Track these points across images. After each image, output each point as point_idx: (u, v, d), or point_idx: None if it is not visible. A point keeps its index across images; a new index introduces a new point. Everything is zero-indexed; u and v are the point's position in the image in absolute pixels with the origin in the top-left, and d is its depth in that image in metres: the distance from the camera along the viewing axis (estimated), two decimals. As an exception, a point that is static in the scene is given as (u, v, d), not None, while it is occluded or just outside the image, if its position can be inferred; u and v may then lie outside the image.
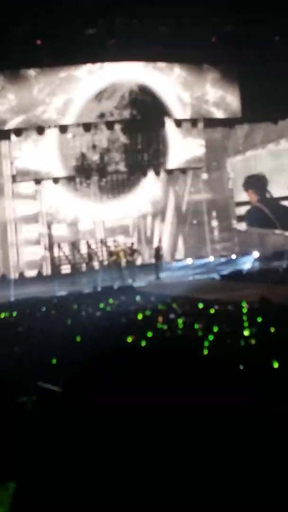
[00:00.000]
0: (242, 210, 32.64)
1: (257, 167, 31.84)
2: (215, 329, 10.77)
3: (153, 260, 28.97)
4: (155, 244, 30.44)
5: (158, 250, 28.46)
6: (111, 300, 18.10)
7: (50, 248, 29.97)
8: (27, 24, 26.99)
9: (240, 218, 32.51)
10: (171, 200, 31.91)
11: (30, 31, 27.11)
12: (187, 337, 10.58)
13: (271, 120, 31.28)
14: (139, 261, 29.15)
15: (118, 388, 0.96)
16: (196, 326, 11.53)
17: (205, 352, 8.69)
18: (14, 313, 16.74)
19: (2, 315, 16.13)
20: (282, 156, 31.09)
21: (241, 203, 32.51)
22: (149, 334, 11.11)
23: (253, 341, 9.36)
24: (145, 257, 30.83)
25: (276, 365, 6.87)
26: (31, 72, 28.48)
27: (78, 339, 11.39)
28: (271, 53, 29.03)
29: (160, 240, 29.96)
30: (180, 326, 11.86)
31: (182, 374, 0.98)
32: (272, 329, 10.48)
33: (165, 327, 11.94)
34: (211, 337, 9.88)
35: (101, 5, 26.36)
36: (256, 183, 31.35)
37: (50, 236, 30.08)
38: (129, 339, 10.66)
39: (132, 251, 28.31)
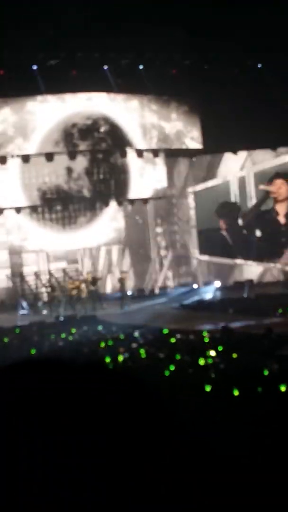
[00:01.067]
0: (203, 240, 32.88)
1: (219, 196, 32.23)
2: (177, 357, 10.88)
3: (116, 290, 29.05)
4: (118, 274, 30.51)
5: (122, 280, 28.52)
6: (73, 330, 18.11)
7: (13, 277, 29.85)
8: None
9: (202, 248, 32.74)
10: (133, 230, 32.04)
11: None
12: (148, 366, 10.66)
13: (232, 150, 31.73)
14: (101, 291, 29.17)
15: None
16: (160, 355, 11.62)
17: (165, 379, 8.78)
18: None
19: None
20: (244, 184, 31.63)
21: (202, 231, 32.75)
22: (110, 364, 11.18)
23: (212, 371, 9.47)
24: (107, 287, 30.88)
25: (236, 392, 6.99)
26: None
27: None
28: (231, 85, 29.56)
29: (123, 271, 30.03)
30: (143, 355, 11.94)
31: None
32: (234, 356, 10.62)
33: (126, 356, 12.01)
34: (172, 367, 9.96)
35: (63, 36, 26.68)
36: (228, 210, 31.75)
37: (12, 266, 29.98)
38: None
39: (94, 280, 28.37)
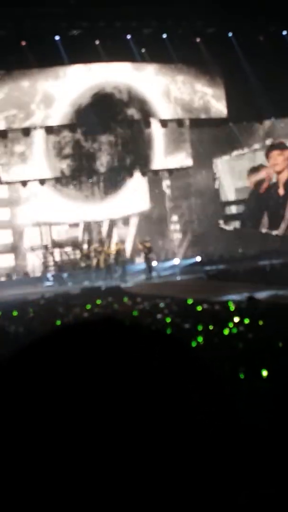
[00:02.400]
0: (228, 210, 32.74)
1: (244, 166, 32.03)
2: (200, 327, 10.80)
3: (142, 261, 28.99)
4: (141, 245, 30.43)
5: (146, 250, 28.37)
6: (98, 301, 18.08)
7: (37, 249, 29.88)
8: (11, 26, 27.03)
9: (226, 218, 32.58)
10: (157, 201, 31.89)
11: (14, 33, 27.16)
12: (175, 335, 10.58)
13: (256, 120, 31.42)
14: (126, 262, 29.07)
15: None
16: (185, 325, 11.55)
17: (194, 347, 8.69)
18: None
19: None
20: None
21: (227, 203, 32.59)
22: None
23: (240, 342, 9.38)
24: (132, 258, 30.76)
25: (265, 372, 6.91)
26: (16, 73, 28.45)
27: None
28: (255, 53, 29.17)
29: (145, 240, 29.81)
30: (168, 325, 11.87)
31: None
32: (261, 323, 10.52)
33: (152, 327, 11.96)
34: (200, 339, 9.89)
35: (85, 6, 26.41)
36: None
37: (36, 238, 30.00)
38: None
39: (119, 251, 28.33)
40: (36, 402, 0.86)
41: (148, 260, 28.02)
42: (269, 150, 31.33)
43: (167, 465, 0.84)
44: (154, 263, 28.44)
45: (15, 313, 16.53)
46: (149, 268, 27.64)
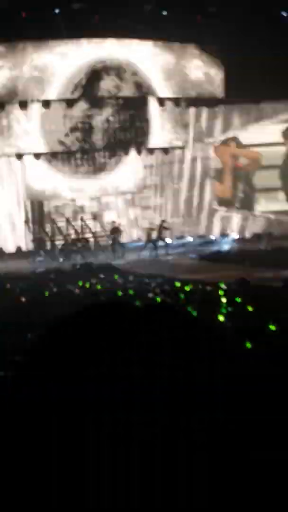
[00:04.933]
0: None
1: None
2: (189, 308, 10.82)
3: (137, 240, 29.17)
4: (136, 223, 30.42)
5: (161, 227, 28.32)
6: (87, 284, 18.06)
7: (30, 223, 29.77)
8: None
9: (220, 200, 32.53)
10: (152, 180, 31.78)
11: (14, 4, 26.98)
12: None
13: (254, 102, 31.32)
14: (120, 239, 29.01)
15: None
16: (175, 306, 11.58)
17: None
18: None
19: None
20: (264, 136, 31.39)
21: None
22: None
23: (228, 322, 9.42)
24: (127, 235, 30.57)
25: (249, 345, 6.94)
26: (15, 44, 28.28)
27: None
28: (256, 34, 28.95)
29: (152, 225, 29.50)
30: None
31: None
32: (250, 309, 10.55)
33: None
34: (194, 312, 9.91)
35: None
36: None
37: (29, 212, 29.90)
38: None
39: (115, 229, 28.36)
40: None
41: (153, 239, 28.06)
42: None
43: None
44: (168, 240, 28.49)
45: (6, 287, 16.57)
46: (154, 246, 27.77)
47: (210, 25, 29.01)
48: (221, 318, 9.95)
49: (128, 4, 28.38)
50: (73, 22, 27.73)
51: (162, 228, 28.23)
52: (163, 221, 28.77)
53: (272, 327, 8.85)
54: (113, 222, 29.23)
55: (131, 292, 14.41)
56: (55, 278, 19.26)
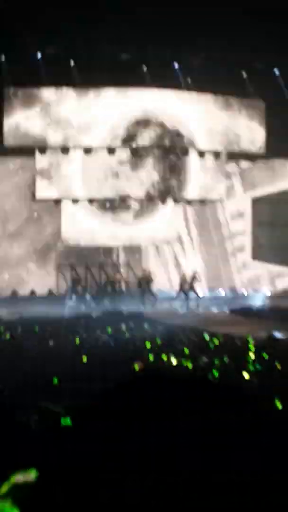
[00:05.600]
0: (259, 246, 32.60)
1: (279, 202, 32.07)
2: (217, 361, 10.74)
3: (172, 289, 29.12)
4: (174, 273, 30.40)
5: (193, 278, 28.19)
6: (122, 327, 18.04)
7: (63, 268, 29.87)
8: (62, 45, 27.54)
9: (255, 254, 32.44)
10: (189, 230, 31.83)
11: (64, 52, 27.64)
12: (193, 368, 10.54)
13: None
14: (153, 288, 28.90)
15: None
16: (203, 359, 11.50)
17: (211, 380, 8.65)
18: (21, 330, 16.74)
19: (7, 335, 16.06)
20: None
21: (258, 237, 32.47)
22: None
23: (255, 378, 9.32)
24: (161, 285, 30.44)
25: (279, 405, 6.85)
26: (62, 90, 28.81)
27: (85, 359, 11.41)
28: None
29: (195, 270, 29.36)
30: (187, 356, 11.82)
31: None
32: (279, 366, 10.44)
33: (172, 356, 11.90)
34: (216, 373, 9.81)
35: (135, 31, 26.71)
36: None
37: (63, 257, 30.04)
38: (136, 367, 10.61)
39: (148, 277, 28.33)
40: None
41: (185, 290, 27.94)
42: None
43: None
44: (199, 292, 28.36)
45: (36, 330, 16.60)
46: (186, 297, 27.64)
47: (255, 80, 29.37)
48: (246, 375, 9.83)
49: (176, 57, 28.90)
50: (120, 71, 28.19)
51: (194, 279, 28.14)
52: (195, 272, 28.71)
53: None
54: (144, 270, 29.24)
55: (158, 341, 14.36)
56: (85, 324, 19.26)
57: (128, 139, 29.76)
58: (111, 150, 29.59)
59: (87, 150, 29.34)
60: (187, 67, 29.44)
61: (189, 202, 31.32)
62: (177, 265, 31.36)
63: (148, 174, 30.20)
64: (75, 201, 29.64)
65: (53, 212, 29.89)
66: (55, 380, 9.17)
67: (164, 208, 30.83)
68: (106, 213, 30.32)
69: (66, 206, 29.73)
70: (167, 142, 30.25)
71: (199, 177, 30.81)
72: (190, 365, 10.98)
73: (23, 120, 28.56)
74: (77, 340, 15.02)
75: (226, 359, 11.20)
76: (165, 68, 28.91)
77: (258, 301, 28.67)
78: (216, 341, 13.84)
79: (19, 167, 29.63)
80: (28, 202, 29.63)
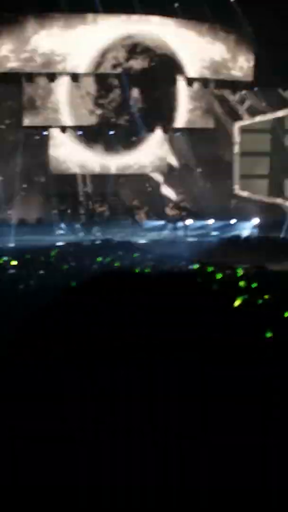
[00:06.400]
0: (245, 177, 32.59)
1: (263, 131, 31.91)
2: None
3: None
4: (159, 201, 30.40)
5: (181, 207, 28.22)
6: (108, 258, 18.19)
7: (52, 196, 29.86)
8: None
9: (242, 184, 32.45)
10: (175, 159, 31.74)
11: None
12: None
13: (283, 86, 31.22)
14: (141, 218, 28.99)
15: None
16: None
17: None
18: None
19: (1, 261, 16.21)
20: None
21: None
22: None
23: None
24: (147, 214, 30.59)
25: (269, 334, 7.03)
26: (46, 18, 28.30)
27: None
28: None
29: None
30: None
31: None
32: (266, 296, 10.60)
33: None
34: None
35: None
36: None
37: (51, 184, 29.99)
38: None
39: (135, 206, 28.40)
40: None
41: (173, 219, 28.04)
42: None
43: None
44: (188, 221, 28.43)
45: (27, 258, 16.74)
46: (174, 226, 27.79)
47: (244, 7, 28.94)
48: (237, 302, 10.00)
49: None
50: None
51: (181, 207, 28.19)
52: (182, 200, 28.65)
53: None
54: (134, 199, 29.26)
55: (148, 270, 14.54)
56: (74, 252, 19.41)
57: (114, 66, 29.38)
58: (98, 77, 29.27)
59: (74, 77, 28.99)
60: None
61: (177, 131, 31.15)
62: (165, 193, 31.37)
63: (136, 103, 29.95)
64: (63, 129, 29.43)
65: (40, 140, 29.72)
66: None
67: (152, 137, 30.66)
68: (95, 142, 30.15)
69: (53, 134, 29.52)
70: (154, 69, 29.89)
71: (187, 105, 30.57)
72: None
73: (7, 49, 28.06)
74: (65, 267, 15.24)
75: (215, 286, 11.38)
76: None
77: (246, 230, 28.82)
78: (206, 270, 14.00)
79: (5, 95, 29.33)
80: (14, 130, 29.41)
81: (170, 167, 31.48)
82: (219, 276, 12.79)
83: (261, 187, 32.15)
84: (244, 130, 32.18)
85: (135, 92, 29.88)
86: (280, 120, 31.60)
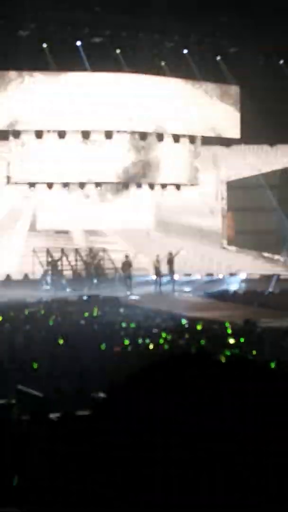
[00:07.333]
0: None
1: (251, 188, 32.05)
2: (193, 347, 10.74)
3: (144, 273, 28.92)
4: (144, 257, 30.24)
5: (169, 260, 28.00)
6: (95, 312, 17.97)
7: (38, 252, 29.69)
8: (34, 28, 27.25)
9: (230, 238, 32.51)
10: (162, 215, 31.75)
11: (36, 35, 27.35)
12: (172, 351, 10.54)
13: (268, 143, 31.48)
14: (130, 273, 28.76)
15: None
16: (180, 342, 11.51)
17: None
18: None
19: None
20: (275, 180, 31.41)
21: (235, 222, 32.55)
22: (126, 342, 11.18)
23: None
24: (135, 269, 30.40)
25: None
26: (35, 75, 28.56)
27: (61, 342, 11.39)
28: (275, 77, 29.19)
29: (171, 253, 29.21)
30: (161, 341, 11.79)
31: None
32: (254, 352, 10.45)
33: (147, 340, 11.89)
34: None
35: (110, 16, 26.53)
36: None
37: (38, 241, 29.87)
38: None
39: (126, 263, 28.16)
40: None
41: (160, 274, 27.81)
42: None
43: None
44: (175, 277, 28.21)
45: (11, 314, 16.49)
46: (159, 282, 27.53)
47: (230, 65, 29.34)
48: (222, 359, 9.81)
49: (150, 41, 28.74)
50: (93, 55, 28.03)
51: (169, 262, 28.00)
52: (170, 254, 28.48)
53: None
54: (126, 256, 28.91)
55: (132, 325, 14.33)
56: (61, 307, 19.19)
57: (102, 123, 29.53)
58: (85, 134, 29.43)
59: (61, 134, 29.15)
60: (161, 52, 29.30)
61: (164, 186, 31.25)
62: (152, 249, 31.26)
63: (122, 159, 30.09)
64: (49, 185, 29.48)
65: (28, 197, 29.74)
66: (35, 365, 9.12)
67: (138, 193, 30.73)
68: (81, 198, 30.19)
69: (40, 190, 29.56)
70: (142, 125, 30.10)
71: (173, 161, 30.73)
72: (166, 347, 11.00)
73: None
74: (52, 323, 15.02)
75: (203, 342, 11.23)
76: (139, 52, 28.72)
77: (234, 285, 28.67)
78: (199, 326, 13.85)
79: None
80: (2, 187, 29.45)
81: (157, 221, 31.48)
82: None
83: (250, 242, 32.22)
84: (231, 187, 32.42)
85: (122, 149, 30.00)
86: (266, 176, 31.81)
